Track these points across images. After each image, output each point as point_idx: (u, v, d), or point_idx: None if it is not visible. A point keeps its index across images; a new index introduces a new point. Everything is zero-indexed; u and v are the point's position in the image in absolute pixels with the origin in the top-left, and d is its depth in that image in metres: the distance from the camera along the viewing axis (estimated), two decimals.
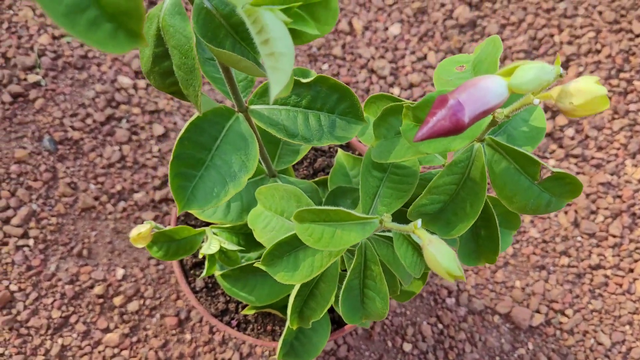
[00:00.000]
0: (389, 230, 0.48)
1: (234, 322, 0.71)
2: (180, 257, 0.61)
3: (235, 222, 0.58)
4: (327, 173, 0.81)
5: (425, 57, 1.08)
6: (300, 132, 0.47)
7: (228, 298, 0.73)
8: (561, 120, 1.05)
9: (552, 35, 1.11)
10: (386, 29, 1.09)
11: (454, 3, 1.12)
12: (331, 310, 0.74)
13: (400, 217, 0.49)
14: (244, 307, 0.72)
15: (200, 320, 0.90)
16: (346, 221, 0.41)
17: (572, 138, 1.05)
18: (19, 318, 0.87)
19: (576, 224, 1.01)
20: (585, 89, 0.32)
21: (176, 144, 0.43)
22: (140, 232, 0.55)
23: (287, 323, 0.56)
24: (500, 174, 0.42)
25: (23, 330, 0.87)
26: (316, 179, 0.73)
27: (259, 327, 0.71)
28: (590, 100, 0.32)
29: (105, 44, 0.26)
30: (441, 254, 0.35)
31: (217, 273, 0.62)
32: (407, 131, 0.39)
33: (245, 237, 0.63)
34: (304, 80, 0.46)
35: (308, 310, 0.54)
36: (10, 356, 0.85)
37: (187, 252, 0.62)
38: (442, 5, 1.11)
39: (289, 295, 0.63)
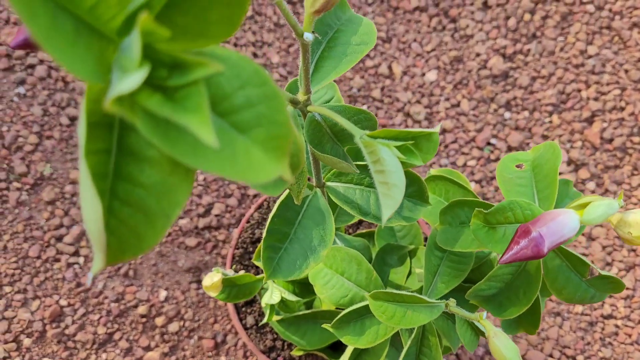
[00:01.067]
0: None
1: (281, 359, 0.77)
2: (240, 300, 0.67)
3: None
4: (370, 224, 0.86)
5: (458, 104, 1.14)
6: (372, 211, 0.53)
7: (275, 336, 0.78)
8: (583, 173, 1.11)
9: (579, 90, 1.17)
10: (423, 74, 1.15)
11: (489, 53, 1.17)
12: None
13: (457, 292, 0.54)
14: (289, 345, 0.78)
15: (236, 345, 0.96)
16: (417, 303, 0.47)
17: (593, 191, 1.11)
18: (67, 332, 0.93)
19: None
20: None
21: (269, 221, 0.49)
22: (214, 281, 0.61)
23: None
24: (552, 269, 0.48)
25: (70, 344, 0.93)
26: (362, 231, 0.78)
27: None
28: None
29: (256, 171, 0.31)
30: (506, 348, 0.41)
31: (273, 319, 0.68)
32: (477, 230, 0.45)
33: (300, 285, 0.69)
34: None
35: None
36: None
37: (247, 296, 0.67)
38: (478, 55, 1.17)
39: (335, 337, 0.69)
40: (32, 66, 1.04)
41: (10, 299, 0.93)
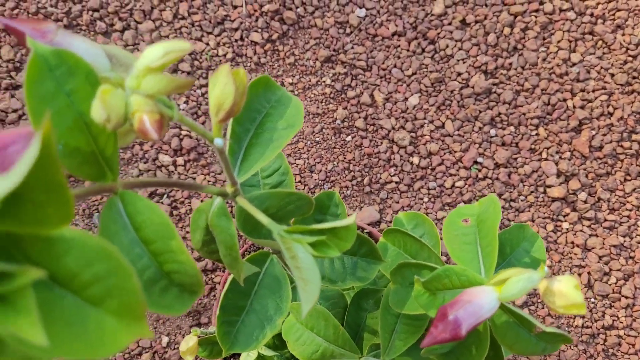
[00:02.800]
0: None
1: None
2: (222, 357, 0.70)
3: None
4: None
5: (443, 126, 1.14)
6: (327, 274, 0.55)
7: None
8: (574, 184, 1.11)
9: (565, 100, 1.17)
10: (406, 99, 1.16)
11: (470, 71, 1.18)
12: None
13: (416, 349, 0.56)
14: None
15: None
16: None
17: (585, 201, 1.11)
18: None
19: (590, 286, 1.07)
20: (566, 294, 0.39)
21: (222, 297, 0.51)
22: (189, 346, 0.63)
23: None
24: (501, 326, 0.49)
25: None
26: None
27: None
28: (569, 305, 0.39)
29: (173, 307, 0.34)
30: None
31: None
32: (419, 296, 0.46)
33: (279, 337, 0.71)
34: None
35: None
36: None
37: (227, 353, 0.70)
38: (459, 74, 1.18)
39: None
40: None
41: None
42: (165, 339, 1.00)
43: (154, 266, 0.33)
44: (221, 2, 1.19)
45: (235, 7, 1.19)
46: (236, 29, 1.18)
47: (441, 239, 0.64)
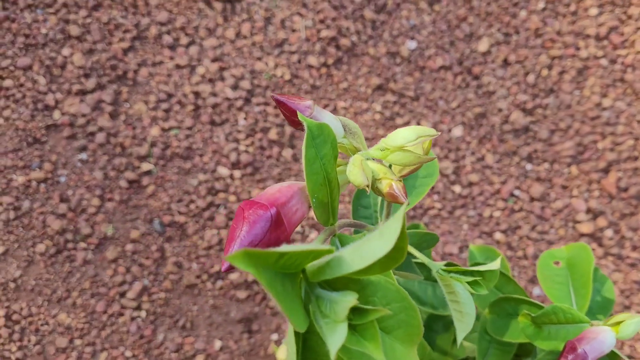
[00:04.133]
0: None
1: None
2: None
3: None
4: None
5: (483, 158, 1.22)
6: (429, 300, 0.62)
7: None
8: (601, 221, 1.19)
9: (595, 142, 1.25)
10: (450, 130, 1.24)
11: (510, 108, 1.26)
12: None
13: None
14: None
15: None
16: None
17: (611, 238, 1.19)
18: None
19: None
20: None
21: None
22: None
23: None
24: None
25: None
26: None
27: None
28: None
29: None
30: None
31: None
32: (526, 328, 0.54)
33: None
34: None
35: None
36: None
37: None
38: (500, 110, 1.26)
39: None
40: (92, 134, 1.13)
41: (82, 352, 1.02)
42: (218, 343, 1.06)
43: None
44: (281, 25, 1.26)
45: (294, 31, 1.26)
46: (294, 52, 1.25)
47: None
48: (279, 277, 0.26)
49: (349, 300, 0.26)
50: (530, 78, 1.28)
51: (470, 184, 1.21)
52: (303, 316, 0.27)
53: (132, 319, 1.05)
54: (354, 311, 0.28)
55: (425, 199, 1.18)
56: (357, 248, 0.27)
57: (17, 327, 1.02)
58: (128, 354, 1.03)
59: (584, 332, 0.46)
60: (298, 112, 0.35)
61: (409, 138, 0.36)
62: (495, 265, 0.46)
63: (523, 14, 1.33)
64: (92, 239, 1.08)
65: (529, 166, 1.23)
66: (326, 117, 0.38)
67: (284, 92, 1.22)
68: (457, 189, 1.20)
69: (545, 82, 1.29)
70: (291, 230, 0.35)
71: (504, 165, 1.23)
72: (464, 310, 0.44)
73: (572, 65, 1.30)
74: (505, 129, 1.25)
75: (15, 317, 1.03)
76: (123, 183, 1.12)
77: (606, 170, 1.24)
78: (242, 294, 1.08)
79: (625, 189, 1.23)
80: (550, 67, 1.30)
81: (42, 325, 1.03)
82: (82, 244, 1.08)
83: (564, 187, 1.23)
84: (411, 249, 0.47)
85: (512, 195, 1.21)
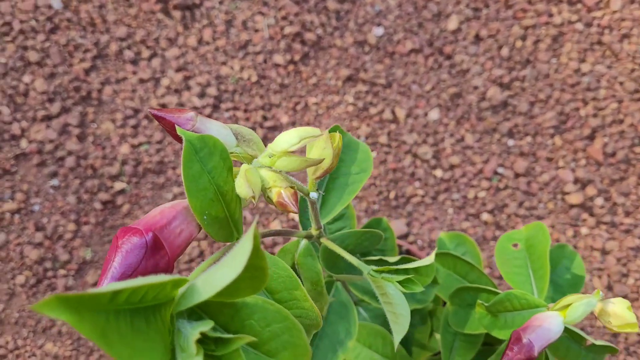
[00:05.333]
0: None
1: None
2: None
3: None
4: None
5: (463, 139, 1.19)
6: None
7: None
8: (591, 190, 1.16)
9: (577, 109, 1.22)
10: (426, 114, 1.21)
11: (486, 85, 1.22)
12: None
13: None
14: None
15: None
16: None
17: (602, 207, 1.16)
18: None
19: (609, 287, 1.12)
20: (621, 315, 0.44)
21: None
22: None
23: None
24: (556, 342, 0.53)
25: None
26: None
27: None
28: (624, 324, 0.43)
29: None
30: None
31: None
32: (482, 318, 0.51)
33: None
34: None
35: None
36: None
37: None
38: (476, 88, 1.22)
39: None
40: (62, 158, 1.12)
41: None
42: None
43: None
44: (243, 27, 1.23)
45: (256, 31, 1.23)
46: (259, 52, 1.22)
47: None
48: (123, 316, 0.24)
49: (196, 330, 0.24)
50: (504, 51, 1.24)
51: (452, 167, 1.18)
52: (159, 355, 0.25)
53: None
54: (217, 341, 0.25)
55: (407, 186, 1.15)
56: (210, 274, 0.25)
57: None
58: None
59: (530, 320, 0.44)
60: (177, 126, 0.33)
61: (291, 142, 0.33)
62: (428, 260, 0.43)
63: None
64: (72, 265, 1.07)
65: (510, 142, 1.20)
66: (213, 127, 0.35)
67: (253, 94, 1.20)
68: (438, 173, 1.17)
69: (520, 54, 1.25)
70: (175, 253, 0.33)
71: (484, 143, 1.19)
72: (398, 312, 0.42)
73: (546, 33, 1.26)
74: (483, 107, 1.21)
75: (1, 351, 1.02)
76: (97, 205, 1.10)
77: (591, 137, 1.20)
78: None
79: (613, 154, 1.19)
80: (524, 38, 1.26)
81: (29, 357, 1.02)
82: (62, 271, 1.06)
83: (549, 159, 1.19)
84: (343, 252, 0.45)
85: (495, 173, 1.18)
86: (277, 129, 1.18)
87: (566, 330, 0.53)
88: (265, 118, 1.19)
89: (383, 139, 1.18)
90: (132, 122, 1.15)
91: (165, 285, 0.25)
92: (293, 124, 1.19)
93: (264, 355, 0.28)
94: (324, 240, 0.47)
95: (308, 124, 1.20)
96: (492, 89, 1.22)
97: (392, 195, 1.15)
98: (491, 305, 0.50)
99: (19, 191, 1.10)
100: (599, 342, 0.52)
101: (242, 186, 0.32)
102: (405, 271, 0.43)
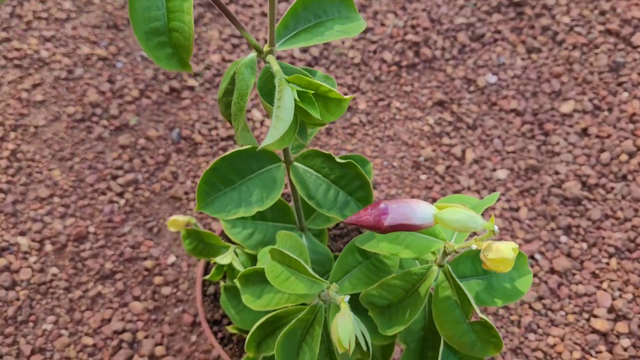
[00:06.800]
0: None
1: (220, 335, 0.79)
2: (203, 258, 0.72)
3: (251, 250, 0.68)
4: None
5: (517, 210, 1.12)
6: (317, 197, 0.56)
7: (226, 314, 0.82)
8: (622, 327, 1.02)
9: None
10: (494, 170, 1.15)
11: (569, 175, 1.15)
12: None
13: (357, 300, 0.55)
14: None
15: None
16: (302, 273, 0.49)
17: (626, 349, 1.01)
18: (82, 254, 1.03)
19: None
20: (501, 250, 0.38)
21: (218, 160, 0.54)
22: (177, 220, 0.67)
23: (249, 355, 0.64)
24: (441, 300, 0.47)
25: (79, 265, 1.02)
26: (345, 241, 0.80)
27: (237, 351, 0.79)
28: (499, 258, 0.38)
29: (163, 61, 0.38)
30: (342, 326, 0.42)
31: (223, 284, 0.72)
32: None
33: (253, 261, 0.73)
34: (338, 160, 0.56)
35: (264, 345, 0.61)
36: (60, 280, 1.01)
37: (210, 256, 0.72)
38: (557, 172, 1.15)
39: None
40: None
41: (54, 209, 1.06)
42: (172, 258, 1.04)
43: (164, 20, 0.38)
44: (373, 16, 1.27)
45: (382, 25, 1.27)
46: (374, 42, 1.25)
47: None
48: None
49: None
50: (604, 156, 1.16)
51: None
52: None
53: (111, 202, 1.07)
54: None
55: None
56: None
57: (15, 165, 1.08)
58: (91, 229, 1.05)
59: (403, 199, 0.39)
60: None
61: None
62: (343, 98, 0.41)
63: (624, 95, 1.22)
64: (115, 122, 1.13)
65: (563, 238, 1.10)
66: None
67: (348, 72, 1.22)
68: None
69: (620, 167, 1.16)
70: None
71: (536, 225, 1.11)
72: (282, 116, 0.40)
73: None
74: (554, 192, 1.13)
75: (19, 156, 1.09)
76: (166, 88, 1.17)
77: None
78: (216, 226, 1.07)
79: None
80: (632, 155, 1.17)
81: (36, 172, 1.08)
82: (104, 122, 1.13)
83: (595, 276, 1.08)
84: (275, 64, 0.44)
85: (531, 257, 1.08)
86: (349, 110, 1.19)
87: (459, 291, 0.47)
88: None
89: (440, 168, 1.14)
90: (234, 41, 1.22)
91: None
92: (367, 114, 1.19)
93: None
94: (269, 58, 0.46)
95: (380, 122, 1.19)
96: (572, 182, 1.14)
97: None
98: None
99: (114, 45, 1.20)
100: (483, 317, 0.45)
101: None
102: (312, 88, 0.41)
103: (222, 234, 0.89)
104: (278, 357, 0.55)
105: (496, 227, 0.39)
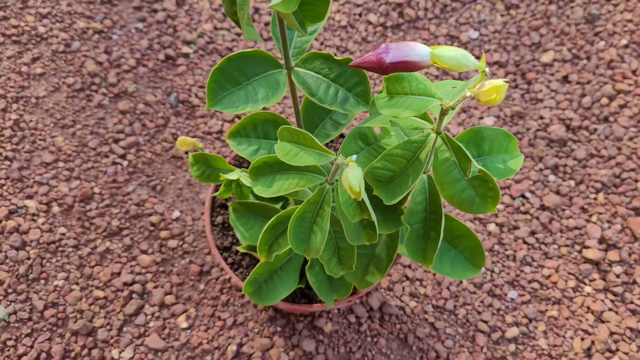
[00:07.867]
0: None
1: (230, 260, 0.83)
2: (211, 183, 0.76)
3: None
4: None
5: None
6: (319, 94, 0.60)
7: (235, 240, 0.85)
8: (613, 255, 1.07)
9: (636, 181, 1.14)
10: (481, 117, 1.20)
11: (553, 119, 1.20)
12: (307, 288, 0.83)
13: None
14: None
15: (217, 278, 1.02)
16: (310, 147, 0.53)
17: (618, 276, 1.06)
18: (89, 214, 1.06)
19: (589, 354, 1.00)
20: (493, 82, 0.42)
21: (225, 59, 0.58)
22: (187, 139, 0.70)
23: (261, 259, 0.67)
24: (440, 162, 0.51)
25: (86, 224, 1.05)
26: None
27: (247, 274, 0.83)
28: (490, 87, 0.42)
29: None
30: (352, 174, 0.46)
31: (231, 205, 0.75)
32: (379, 98, 0.51)
33: None
34: (336, 57, 0.60)
35: (275, 246, 0.65)
36: (68, 239, 1.04)
37: (217, 180, 0.76)
38: (541, 117, 1.20)
39: None
40: (155, 10, 1.25)
41: (60, 172, 1.09)
42: (176, 213, 1.07)
43: None
44: None
45: None
46: (359, 5, 1.30)
47: None
48: None
49: None
50: (586, 100, 1.21)
51: None
52: None
53: (114, 163, 1.11)
54: None
55: None
56: None
57: (19, 134, 1.11)
58: (96, 190, 1.08)
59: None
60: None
61: None
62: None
63: (602, 44, 1.28)
64: (114, 89, 1.17)
65: (552, 177, 1.15)
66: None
67: (335, 35, 1.27)
68: None
69: (601, 110, 1.21)
70: None
71: (525, 165, 1.15)
72: None
73: (637, 103, 1.22)
74: (540, 135, 1.18)
75: (22, 125, 1.12)
76: (161, 56, 1.21)
77: (638, 212, 1.12)
78: None
79: None
80: (611, 98, 1.22)
81: (40, 140, 1.11)
82: (104, 90, 1.17)
83: (584, 210, 1.12)
84: None
85: (522, 196, 1.13)
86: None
87: (457, 152, 0.51)
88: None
89: None
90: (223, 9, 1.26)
91: None
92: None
93: None
94: None
95: (370, 78, 1.23)
96: (557, 125, 1.19)
97: None
98: (390, 79, 0.50)
99: (109, 19, 1.23)
100: (481, 169, 0.49)
101: None
102: None
103: None
104: (291, 242, 0.59)
105: (487, 70, 0.44)
